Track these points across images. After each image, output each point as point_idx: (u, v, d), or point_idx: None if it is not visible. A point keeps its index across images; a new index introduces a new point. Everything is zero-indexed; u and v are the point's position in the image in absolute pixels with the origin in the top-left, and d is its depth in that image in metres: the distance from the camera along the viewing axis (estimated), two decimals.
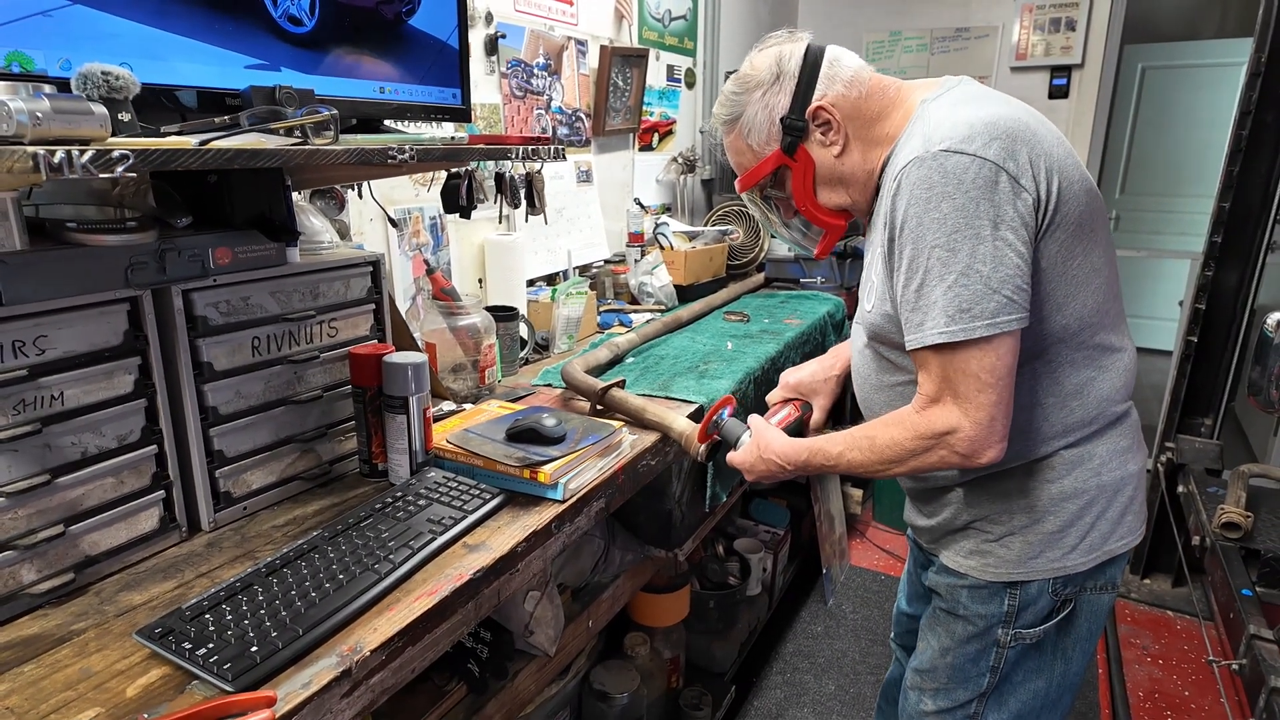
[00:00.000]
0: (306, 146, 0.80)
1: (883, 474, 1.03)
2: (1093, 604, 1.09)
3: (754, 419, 1.22)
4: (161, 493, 1.02)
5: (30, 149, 0.56)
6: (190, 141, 0.69)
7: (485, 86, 2.05)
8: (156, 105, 0.89)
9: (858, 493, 3.09)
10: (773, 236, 1.28)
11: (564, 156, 1.12)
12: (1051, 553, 1.04)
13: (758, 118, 1.09)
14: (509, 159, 1.12)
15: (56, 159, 0.57)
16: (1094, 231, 0.97)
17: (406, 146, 0.92)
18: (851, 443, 1.04)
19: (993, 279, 0.89)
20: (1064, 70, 3.55)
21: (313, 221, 1.28)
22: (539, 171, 1.40)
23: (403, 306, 1.78)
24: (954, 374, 0.92)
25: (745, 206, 1.20)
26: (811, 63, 1.06)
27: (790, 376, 1.36)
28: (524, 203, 1.42)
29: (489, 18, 2.03)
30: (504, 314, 1.73)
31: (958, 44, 3.74)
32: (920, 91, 1.05)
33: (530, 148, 1.12)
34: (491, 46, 2.04)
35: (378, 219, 1.73)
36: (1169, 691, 2.26)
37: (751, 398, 1.81)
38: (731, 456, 1.21)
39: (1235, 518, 2.09)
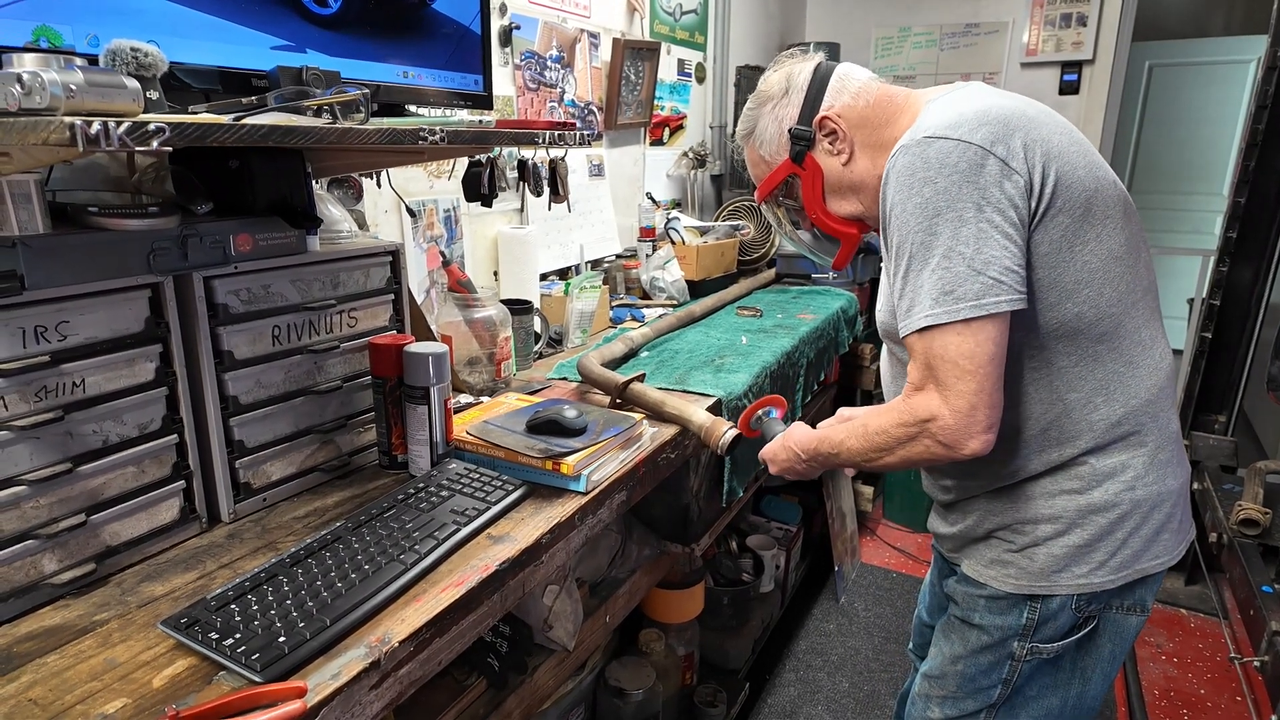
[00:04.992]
0: (339, 126, 0.78)
1: (876, 464, 1.02)
2: (1118, 624, 1.04)
3: (797, 424, 1.23)
4: (182, 483, 1.01)
5: (68, 119, 0.55)
6: (224, 118, 0.68)
7: (499, 78, 2.03)
8: (182, 85, 0.87)
9: (868, 489, 3.08)
10: (794, 249, 1.29)
11: (589, 143, 1.12)
12: (1077, 568, 1.00)
13: (769, 130, 1.14)
14: (535, 144, 1.10)
15: (94, 130, 0.55)
16: (1109, 219, 0.94)
17: (437, 128, 0.90)
18: (851, 430, 1.04)
19: (975, 260, 0.87)
20: (1074, 66, 3.54)
21: (331, 210, 1.26)
22: (563, 159, 1.38)
23: (418, 299, 1.76)
24: (934, 360, 0.90)
25: (755, 203, 1.22)
26: (820, 78, 1.10)
27: (846, 412, 1.33)
28: (547, 190, 1.40)
29: (503, 8, 2.01)
30: (518, 307, 1.71)
31: (967, 40, 3.72)
32: (928, 95, 1.05)
33: (556, 133, 1.10)
34: (506, 37, 2.03)
35: (392, 210, 1.72)
36: (1185, 689, 2.25)
37: (768, 391, 1.80)
38: (764, 449, 1.23)
39: (1253, 514, 2.08)
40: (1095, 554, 0.99)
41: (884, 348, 1.16)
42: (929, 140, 0.90)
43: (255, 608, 0.82)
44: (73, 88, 0.57)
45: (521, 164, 1.41)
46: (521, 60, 2.11)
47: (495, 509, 1.07)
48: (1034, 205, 0.90)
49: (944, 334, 0.89)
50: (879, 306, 1.09)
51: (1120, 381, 0.97)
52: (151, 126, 0.58)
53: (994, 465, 1.02)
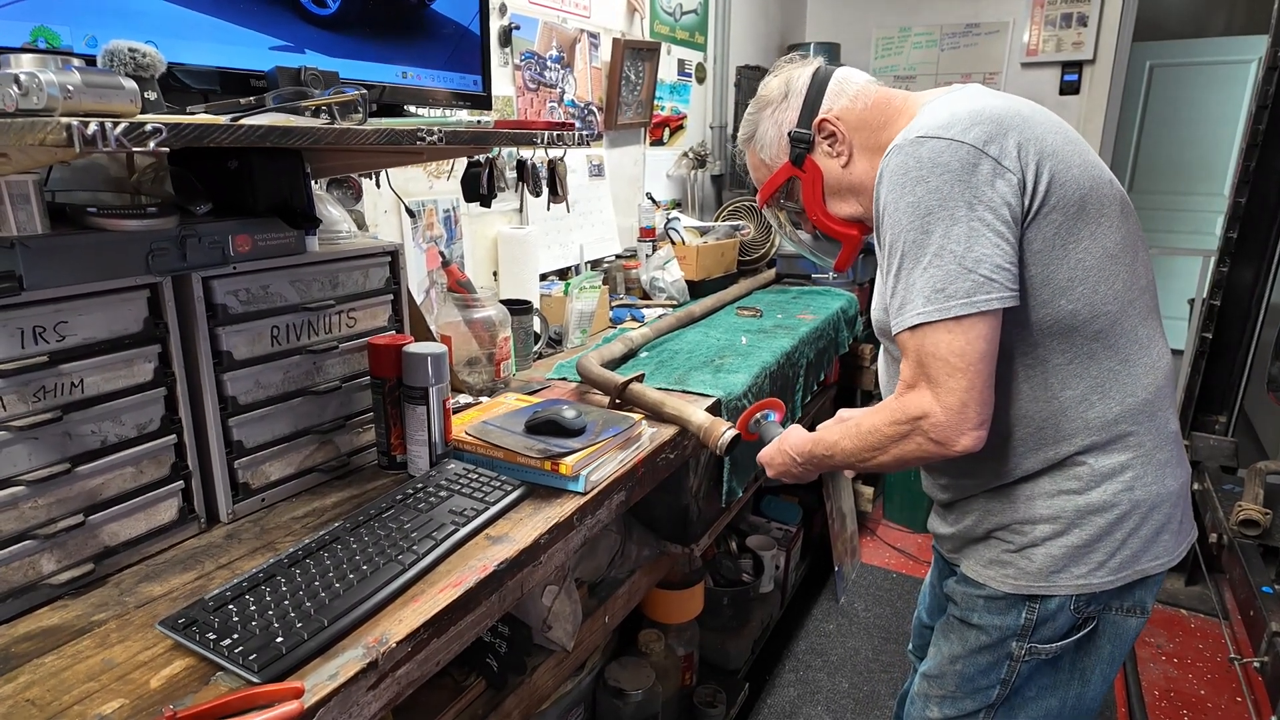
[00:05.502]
0: (337, 126, 0.78)
1: (871, 463, 1.02)
2: (1117, 626, 1.04)
3: (794, 427, 1.24)
4: (180, 483, 1.01)
5: (64, 120, 0.55)
6: (221, 119, 0.68)
7: (499, 78, 2.04)
8: (180, 86, 0.87)
9: (869, 490, 3.08)
10: (795, 249, 1.32)
11: (588, 143, 1.12)
12: (1076, 568, 0.99)
13: (769, 134, 1.16)
14: (534, 144, 1.10)
15: (90, 131, 0.55)
16: (1103, 218, 0.94)
17: (435, 128, 0.90)
18: (845, 431, 1.05)
19: (966, 258, 0.87)
20: (1075, 66, 3.54)
21: (331, 211, 1.27)
22: (562, 159, 1.38)
23: (417, 299, 1.76)
24: (926, 358, 0.91)
25: (755, 203, 1.24)
26: (819, 82, 1.12)
27: (846, 414, 1.34)
28: (546, 190, 1.40)
29: (503, 9, 2.01)
30: (518, 307, 1.71)
31: (968, 40, 3.72)
32: (925, 97, 1.06)
33: (555, 133, 1.10)
34: (506, 38, 2.03)
35: (392, 210, 1.72)
36: (1185, 690, 2.24)
37: (767, 392, 1.80)
38: (762, 452, 1.24)
39: (1254, 515, 2.08)
40: (1094, 555, 0.99)
41: (881, 347, 1.17)
42: (922, 140, 0.91)
43: (253, 608, 0.82)
44: (70, 88, 0.57)
45: (520, 164, 1.41)
46: (521, 60, 2.11)
47: (494, 509, 1.07)
48: (1027, 203, 0.91)
49: (935, 331, 0.89)
50: (874, 305, 1.10)
51: (1116, 380, 0.97)
52: (148, 127, 0.59)
53: (990, 463, 1.02)
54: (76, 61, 0.61)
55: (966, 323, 0.88)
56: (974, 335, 0.88)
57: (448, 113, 1.34)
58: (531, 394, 1.52)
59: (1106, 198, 0.95)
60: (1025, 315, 0.94)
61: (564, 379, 1.66)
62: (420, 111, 1.32)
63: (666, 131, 2.94)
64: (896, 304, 0.93)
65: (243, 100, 0.83)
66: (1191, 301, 3.06)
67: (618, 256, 2.56)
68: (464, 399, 1.48)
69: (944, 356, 0.89)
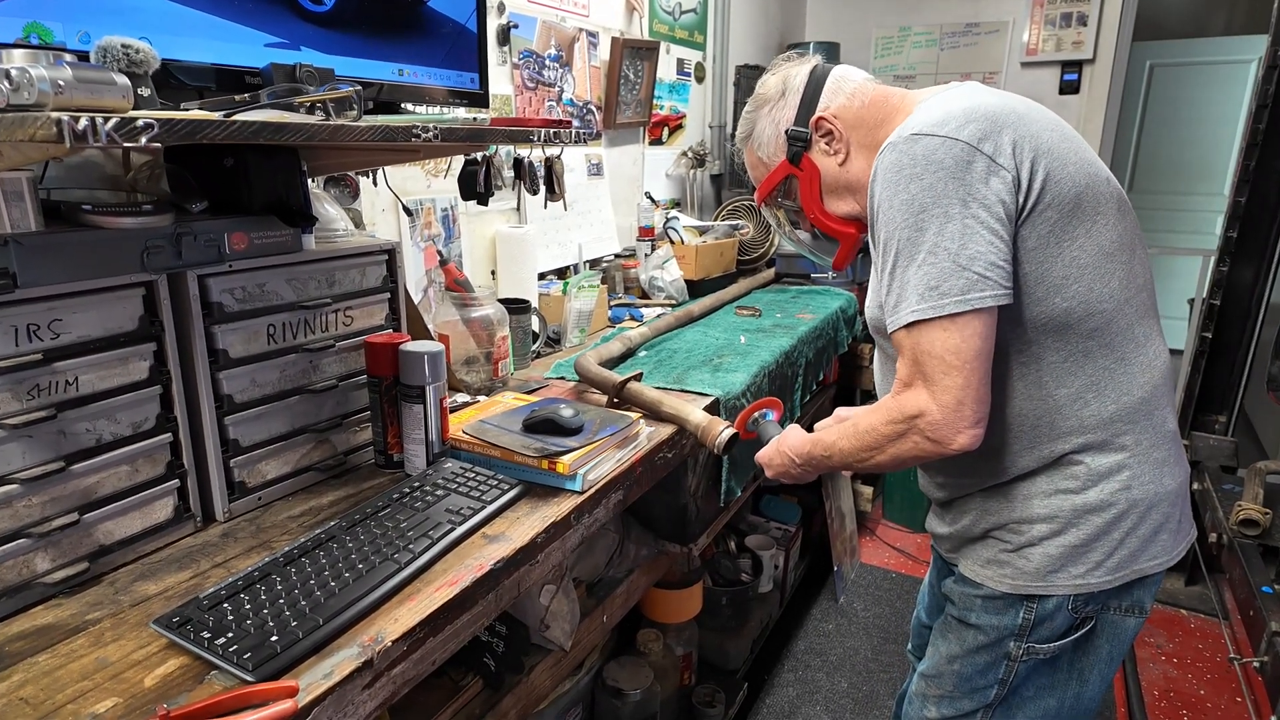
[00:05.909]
0: (331, 122, 0.78)
1: (868, 463, 1.02)
2: (1115, 626, 1.03)
3: (792, 427, 1.24)
4: (176, 481, 1.01)
5: (54, 115, 0.54)
6: (214, 115, 0.68)
7: (497, 77, 2.03)
8: (175, 83, 0.87)
9: (868, 490, 3.07)
10: (794, 249, 1.32)
11: (584, 141, 1.12)
12: (1074, 568, 0.99)
13: (766, 132, 1.16)
14: (530, 142, 1.10)
15: (81, 126, 0.55)
16: (1099, 215, 0.94)
17: (430, 125, 0.90)
18: (842, 432, 1.05)
19: (960, 256, 0.87)
20: (1075, 66, 3.54)
21: (328, 209, 1.26)
22: (559, 157, 1.38)
23: (415, 298, 1.76)
24: (921, 356, 0.90)
25: (754, 203, 1.24)
26: (816, 80, 1.12)
27: (844, 412, 1.34)
28: (543, 189, 1.40)
29: (501, 7, 2.01)
30: (516, 306, 1.71)
31: (968, 39, 3.72)
32: (922, 95, 1.06)
33: (552, 131, 1.10)
34: (504, 36, 2.02)
35: (389, 209, 1.72)
36: (1185, 690, 2.24)
37: (766, 391, 1.79)
38: (760, 452, 1.24)
39: (1254, 514, 2.08)
40: (1092, 554, 0.99)
41: (876, 345, 1.16)
42: (916, 137, 0.90)
43: (248, 607, 0.82)
44: (61, 84, 0.57)
45: (518, 162, 1.41)
46: (520, 59, 2.11)
47: (491, 508, 1.06)
48: (1022, 200, 0.90)
49: (930, 329, 0.89)
50: (868, 302, 1.09)
51: (1111, 378, 0.97)
52: (140, 122, 0.58)
53: (986, 462, 1.02)
54: (68, 57, 0.61)
55: (961, 320, 0.88)
56: (969, 333, 0.88)
57: (445, 110, 1.33)
58: (529, 393, 1.52)
59: (1103, 195, 0.95)
60: (1019, 313, 0.94)
61: (562, 378, 1.66)
62: (417, 109, 1.32)
63: (665, 131, 2.94)
64: (891, 302, 0.93)
65: (237, 97, 0.83)
66: (1191, 301, 3.06)
67: (616, 256, 2.56)
68: (461, 398, 1.47)
69: (939, 354, 0.89)
